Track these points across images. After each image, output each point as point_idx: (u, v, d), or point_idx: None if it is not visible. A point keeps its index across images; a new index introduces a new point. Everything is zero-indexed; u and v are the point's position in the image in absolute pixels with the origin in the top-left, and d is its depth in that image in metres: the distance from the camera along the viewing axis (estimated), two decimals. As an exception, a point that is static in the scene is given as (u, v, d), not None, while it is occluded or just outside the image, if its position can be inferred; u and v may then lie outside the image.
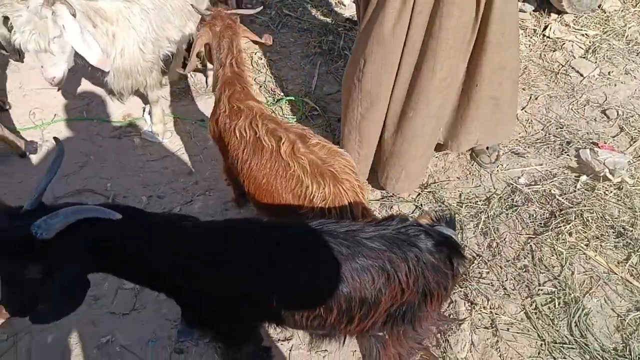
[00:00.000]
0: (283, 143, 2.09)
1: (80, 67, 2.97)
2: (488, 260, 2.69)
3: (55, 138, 1.67)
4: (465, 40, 2.54)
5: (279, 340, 2.39)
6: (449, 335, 2.37)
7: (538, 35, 4.25)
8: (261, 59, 4.11)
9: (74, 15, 2.54)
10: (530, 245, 2.74)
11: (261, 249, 1.56)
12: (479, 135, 2.99)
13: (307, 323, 1.63)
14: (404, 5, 2.40)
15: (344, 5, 4.63)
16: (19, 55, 3.05)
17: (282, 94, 3.83)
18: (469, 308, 2.48)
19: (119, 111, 3.65)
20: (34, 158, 3.30)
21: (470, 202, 2.99)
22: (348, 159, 2.16)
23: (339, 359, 2.32)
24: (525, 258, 2.69)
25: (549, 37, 4.22)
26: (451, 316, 2.45)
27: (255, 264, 1.54)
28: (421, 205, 2.97)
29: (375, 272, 1.53)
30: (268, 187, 2.13)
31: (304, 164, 2.04)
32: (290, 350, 2.36)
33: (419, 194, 3.05)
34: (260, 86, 3.90)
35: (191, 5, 2.82)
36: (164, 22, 2.95)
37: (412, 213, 2.95)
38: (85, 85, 3.82)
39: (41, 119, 3.58)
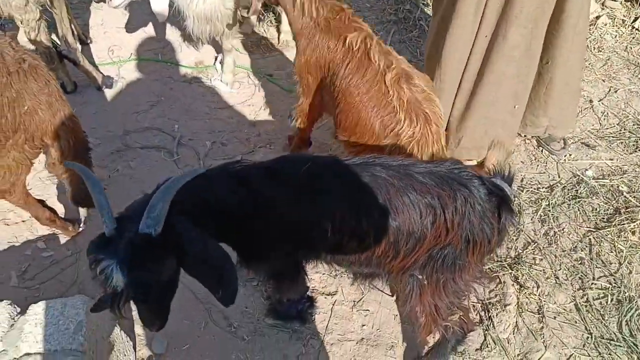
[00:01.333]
0: (392, 69, 2.09)
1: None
2: (543, 248, 2.63)
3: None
4: (541, 10, 2.46)
5: (323, 294, 2.44)
6: (493, 315, 2.36)
7: (626, 27, 4.03)
8: (335, 21, 4.09)
9: None
10: (590, 239, 2.66)
11: (315, 180, 1.58)
12: (548, 122, 2.92)
13: (356, 258, 1.65)
14: None
15: (424, -23, 4.51)
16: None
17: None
18: (518, 291, 2.45)
19: (191, 57, 3.73)
20: (109, 92, 3.44)
21: (532, 188, 2.91)
22: (440, 110, 2.18)
23: (379, 319, 2.35)
24: (582, 251, 2.62)
25: (638, 29, 3.99)
26: (498, 297, 2.43)
27: (312, 194, 1.57)
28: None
29: (424, 207, 1.54)
30: (359, 109, 2.14)
31: (403, 97, 2.05)
32: (333, 305, 2.41)
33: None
34: (331, 48, 3.89)
35: None
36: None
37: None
38: (163, 28, 3.92)
39: (119, 56, 3.71)
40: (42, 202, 2.49)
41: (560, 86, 2.78)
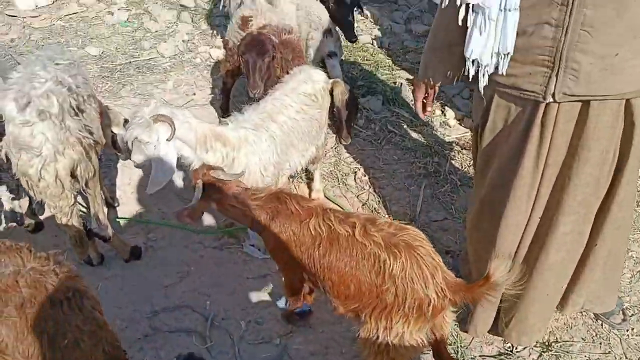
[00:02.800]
0: (356, 227, 2.18)
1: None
2: None
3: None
4: (595, 197, 2.37)
5: None
6: None
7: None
8: (365, 175, 4.05)
9: (168, 139, 2.61)
10: None
11: None
12: (585, 299, 2.76)
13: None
14: (536, 164, 2.28)
15: (449, 126, 4.56)
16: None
17: (385, 214, 3.71)
18: None
19: (221, 219, 3.63)
20: (136, 262, 3.28)
21: (601, 374, 2.65)
22: (417, 231, 2.22)
23: None
24: None
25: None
26: None
27: None
28: (544, 370, 2.66)
29: None
30: (349, 273, 2.20)
31: (378, 240, 2.12)
32: None
33: (541, 355, 2.75)
34: (364, 204, 3.80)
35: None
36: (289, 147, 2.95)
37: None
38: (190, 190, 3.86)
39: (147, 219, 3.61)
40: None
41: (604, 264, 2.63)
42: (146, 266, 3.26)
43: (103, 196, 3.37)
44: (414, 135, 4.49)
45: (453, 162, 4.16)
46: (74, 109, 2.71)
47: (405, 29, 5.96)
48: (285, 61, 3.38)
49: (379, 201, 3.83)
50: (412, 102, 4.80)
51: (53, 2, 6.34)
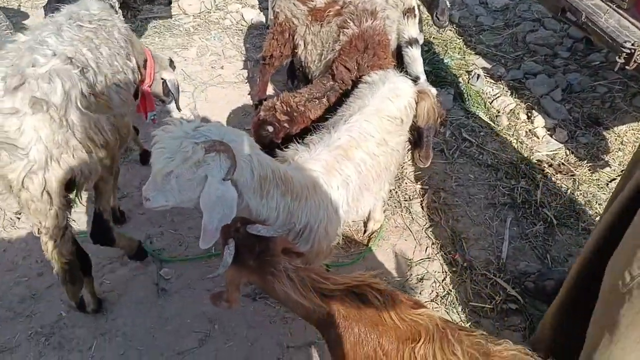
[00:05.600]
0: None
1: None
2: None
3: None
4: None
5: None
6: None
7: None
8: (434, 201, 3.20)
9: (225, 178, 1.74)
10: None
11: None
12: None
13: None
14: None
15: (537, 138, 3.66)
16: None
17: (462, 262, 2.89)
18: None
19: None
20: (145, 307, 2.52)
21: None
22: None
23: None
24: None
25: None
26: None
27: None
28: None
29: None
30: None
31: None
32: None
33: None
34: (433, 243, 2.98)
35: None
36: (362, 190, 2.10)
37: None
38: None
39: (159, 250, 2.82)
40: None
41: None
42: (157, 320, 2.49)
43: (113, 198, 2.69)
44: (495, 145, 3.60)
45: (547, 190, 3.30)
46: (85, 97, 2.01)
47: (479, 0, 4.93)
48: (364, 66, 2.49)
49: (452, 238, 3.00)
50: (492, 100, 3.90)
51: None
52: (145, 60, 2.71)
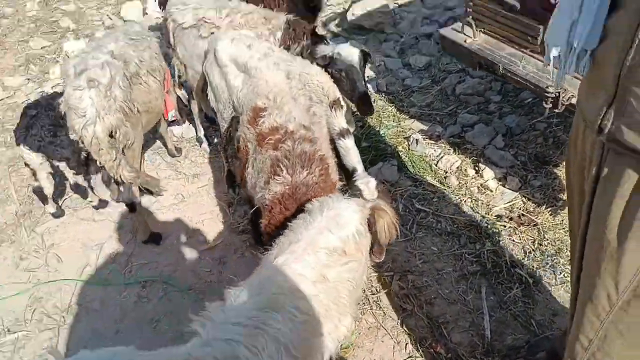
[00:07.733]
0: None
1: None
2: None
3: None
4: None
5: None
6: None
7: None
8: (403, 288, 3.01)
9: None
10: None
11: None
12: None
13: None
14: None
15: (491, 191, 3.56)
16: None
17: (442, 348, 2.67)
18: None
19: None
20: None
21: None
22: None
23: None
24: None
25: None
26: None
27: None
28: None
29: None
30: None
31: None
32: None
33: None
34: (412, 337, 2.76)
35: None
36: (309, 338, 1.87)
37: None
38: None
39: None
40: None
41: None
42: None
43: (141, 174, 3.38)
44: (450, 209, 3.47)
45: (512, 247, 3.16)
46: (127, 79, 3.08)
47: (402, 63, 4.95)
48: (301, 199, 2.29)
49: (431, 326, 2.79)
50: (436, 162, 3.81)
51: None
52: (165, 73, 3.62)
